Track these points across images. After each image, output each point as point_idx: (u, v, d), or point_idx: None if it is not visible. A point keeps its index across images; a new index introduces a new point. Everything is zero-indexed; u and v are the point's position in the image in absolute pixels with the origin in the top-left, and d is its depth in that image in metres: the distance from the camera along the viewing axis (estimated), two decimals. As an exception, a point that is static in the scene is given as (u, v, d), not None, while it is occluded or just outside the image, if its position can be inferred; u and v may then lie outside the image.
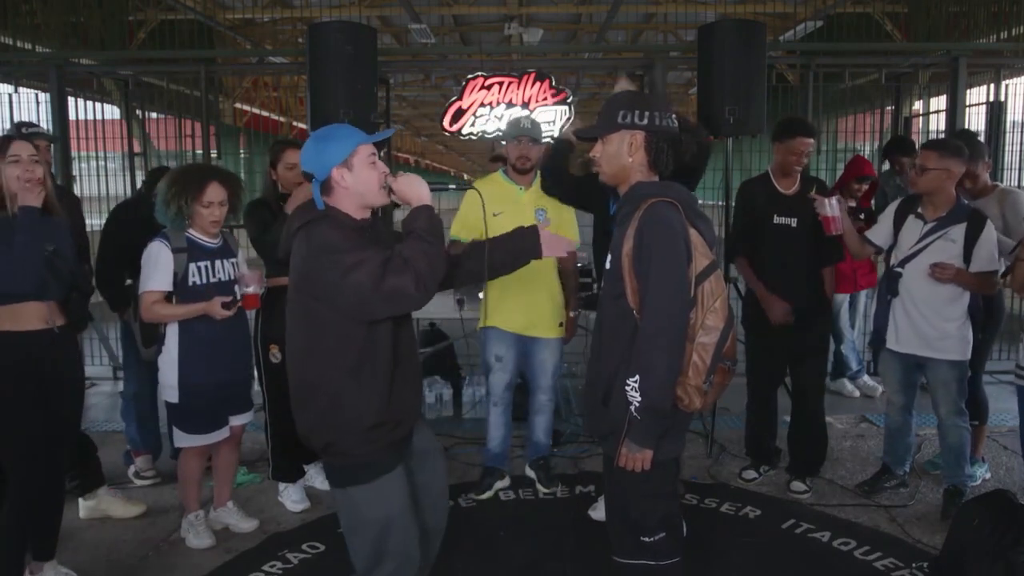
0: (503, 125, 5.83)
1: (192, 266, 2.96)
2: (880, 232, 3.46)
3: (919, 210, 3.31)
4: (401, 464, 2.08)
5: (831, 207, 3.29)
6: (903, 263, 3.32)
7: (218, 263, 3.03)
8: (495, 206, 3.33)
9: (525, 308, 3.48)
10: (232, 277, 3.07)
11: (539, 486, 3.67)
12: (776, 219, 3.52)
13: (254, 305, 3.09)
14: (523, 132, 3.43)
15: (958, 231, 3.19)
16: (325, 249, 1.90)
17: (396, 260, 1.87)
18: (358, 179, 1.99)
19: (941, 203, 3.23)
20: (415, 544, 2.09)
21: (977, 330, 3.33)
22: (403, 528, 2.05)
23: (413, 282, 1.85)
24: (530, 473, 3.74)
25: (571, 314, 3.62)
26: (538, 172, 3.46)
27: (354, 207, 2.03)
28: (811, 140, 3.52)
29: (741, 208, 3.73)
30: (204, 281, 2.99)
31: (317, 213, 2.00)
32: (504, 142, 3.53)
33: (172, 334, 2.99)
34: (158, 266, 2.91)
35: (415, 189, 2.01)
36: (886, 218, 3.46)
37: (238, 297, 3.03)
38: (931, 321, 3.26)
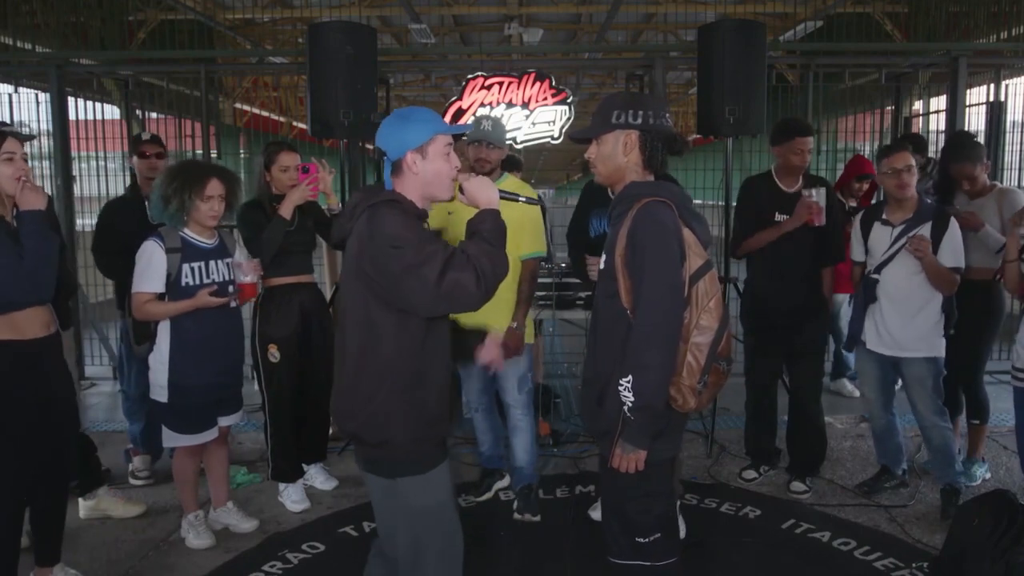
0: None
1: (185, 267, 2.94)
2: (856, 248, 3.51)
3: (884, 216, 3.36)
4: (448, 457, 2.09)
5: (815, 196, 3.34)
6: (879, 269, 3.35)
7: (212, 264, 3.02)
8: (450, 205, 3.14)
9: (473, 315, 3.26)
10: (227, 278, 3.05)
11: (515, 514, 3.39)
12: (777, 217, 3.52)
13: (251, 295, 3.08)
14: (483, 135, 3.24)
15: (925, 230, 3.23)
16: (390, 240, 1.85)
17: (459, 256, 1.86)
18: (429, 168, 1.96)
19: (908, 206, 3.29)
20: (459, 536, 2.09)
21: (948, 327, 3.34)
22: (449, 518, 2.06)
23: (474, 280, 1.83)
24: (516, 511, 3.43)
25: (512, 324, 3.22)
26: (504, 173, 3.37)
27: (418, 196, 1.99)
28: (809, 138, 3.52)
29: (744, 205, 3.70)
30: (197, 282, 2.96)
31: (383, 195, 1.96)
32: (466, 141, 3.32)
33: (163, 334, 2.97)
34: (151, 267, 2.89)
35: (485, 192, 1.99)
36: (855, 233, 3.50)
37: (231, 289, 3.02)
38: (906, 322, 3.30)
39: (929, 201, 3.38)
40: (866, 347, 3.45)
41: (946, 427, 3.38)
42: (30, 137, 3.51)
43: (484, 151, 3.25)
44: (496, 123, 3.32)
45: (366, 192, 2.02)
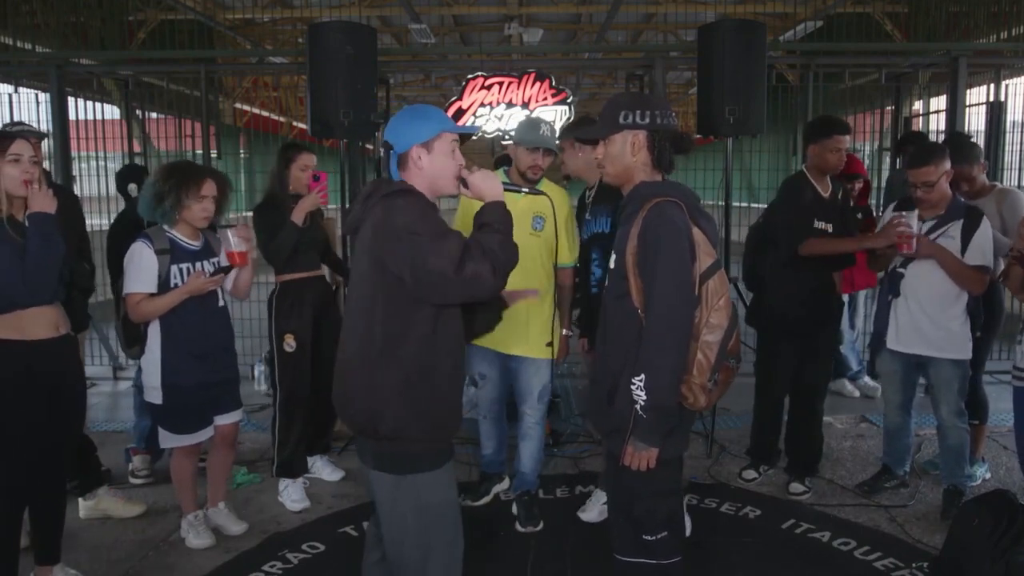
0: (504, 125, 5.81)
1: (174, 268, 2.93)
2: None
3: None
4: (453, 454, 2.11)
5: (907, 218, 3.19)
6: (905, 264, 3.32)
7: (199, 265, 3.01)
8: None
9: (505, 324, 3.16)
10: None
11: (517, 526, 3.35)
12: (816, 223, 3.46)
13: (242, 262, 3.06)
14: (544, 143, 3.16)
15: (956, 228, 3.20)
16: (407, 228, 1.87)
17: (475, 247, 1.87)
18: (434, 163, 1.99)
19: (939, 202, 3.24)
20: (462, 535, 2.08)
21: (976, 328, 3.33)
22: (457, 515, 2.07)
23: (491, 270, 1.85)
24: (514, 510, 3.44)
25: (565, 332, 3.38)
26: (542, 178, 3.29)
27: (426, 189, 2.02)
28: (847, 136, 3.44)
29: (791, 206, 3.50)
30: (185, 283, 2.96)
31: (395, 185, 1.99)
32: (516, 144, 3.26)
33: (154, 336, 2.96)
34: (141, 267, 2.89)
35: (490, 185, 2.01)
36: (884, 222, 3.45)
37: (221, 265, 3.03)
38: (935, 320, 3.26)
39: (962, 199, 3.32)
40: (887, 347, 3.42)
41: (964, 428, 3.37)
42: (42, 135, 3.52)
43: (540, 157, 3.18)
44: (552, 128, 3.25)
45: (379, 182, 2.04)
